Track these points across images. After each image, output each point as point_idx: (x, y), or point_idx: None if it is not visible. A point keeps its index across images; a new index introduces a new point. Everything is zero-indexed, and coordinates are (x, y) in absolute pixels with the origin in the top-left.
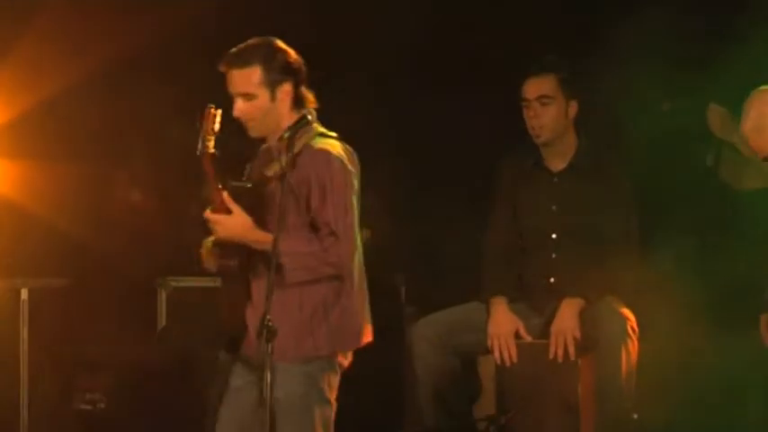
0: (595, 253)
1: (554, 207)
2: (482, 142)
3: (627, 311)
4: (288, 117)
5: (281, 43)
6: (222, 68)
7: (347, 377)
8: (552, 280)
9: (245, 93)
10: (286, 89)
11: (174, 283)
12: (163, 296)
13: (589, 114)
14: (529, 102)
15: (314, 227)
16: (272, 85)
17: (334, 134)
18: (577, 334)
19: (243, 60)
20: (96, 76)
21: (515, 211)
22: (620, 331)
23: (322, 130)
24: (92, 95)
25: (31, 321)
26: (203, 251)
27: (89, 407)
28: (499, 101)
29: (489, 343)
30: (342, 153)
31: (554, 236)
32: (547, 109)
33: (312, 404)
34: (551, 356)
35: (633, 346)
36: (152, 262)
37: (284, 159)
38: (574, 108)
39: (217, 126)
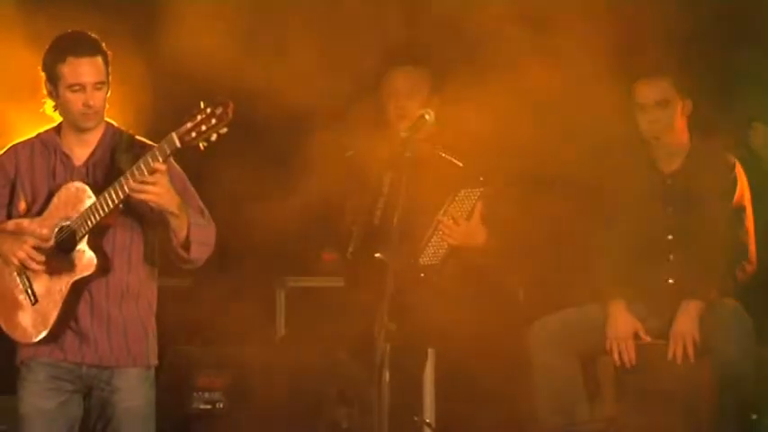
0: (714, 254)
1: (669, 209)
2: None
3: (745, 313)
4: None
5: None
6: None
7: (466, 380)
8: (671, 281)
9: (100, 81)
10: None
11: (292, 283)
12: (282, 296)
13: None
14: (645, 106)
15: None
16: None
17: None
18: (697, 336)
19: (94, 49)
20: None
21: (630, 214)
22: (739, 333)
23: None
24: None
25: None
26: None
27: (208, 406)
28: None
29: (608, 344)
30: None
31: (670, 237)
32: (665, 112)
33: (154, 411)
34: (670, 358)
35: (751, 347)
36: (272, 261)
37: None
38: (688, 107)
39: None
